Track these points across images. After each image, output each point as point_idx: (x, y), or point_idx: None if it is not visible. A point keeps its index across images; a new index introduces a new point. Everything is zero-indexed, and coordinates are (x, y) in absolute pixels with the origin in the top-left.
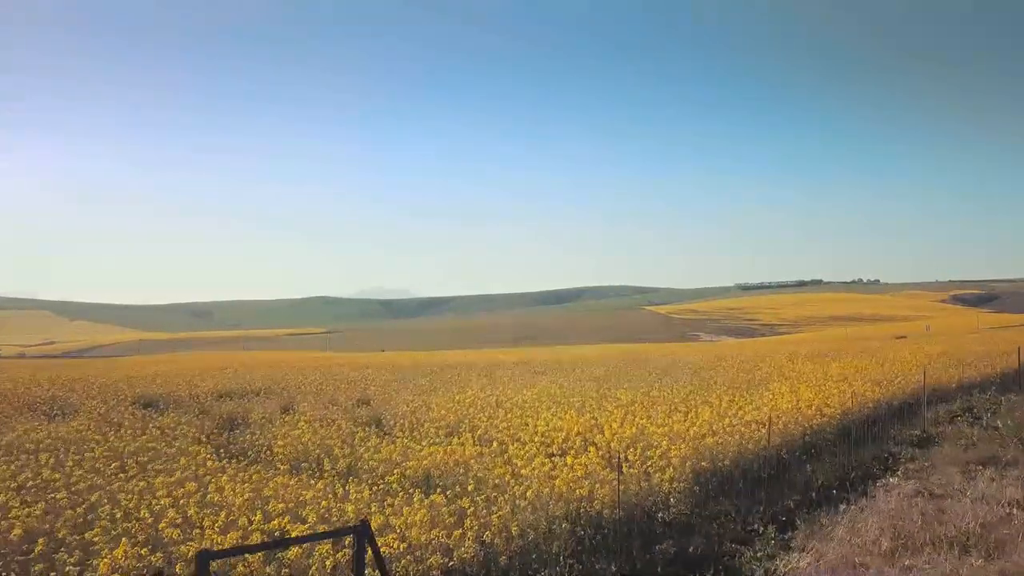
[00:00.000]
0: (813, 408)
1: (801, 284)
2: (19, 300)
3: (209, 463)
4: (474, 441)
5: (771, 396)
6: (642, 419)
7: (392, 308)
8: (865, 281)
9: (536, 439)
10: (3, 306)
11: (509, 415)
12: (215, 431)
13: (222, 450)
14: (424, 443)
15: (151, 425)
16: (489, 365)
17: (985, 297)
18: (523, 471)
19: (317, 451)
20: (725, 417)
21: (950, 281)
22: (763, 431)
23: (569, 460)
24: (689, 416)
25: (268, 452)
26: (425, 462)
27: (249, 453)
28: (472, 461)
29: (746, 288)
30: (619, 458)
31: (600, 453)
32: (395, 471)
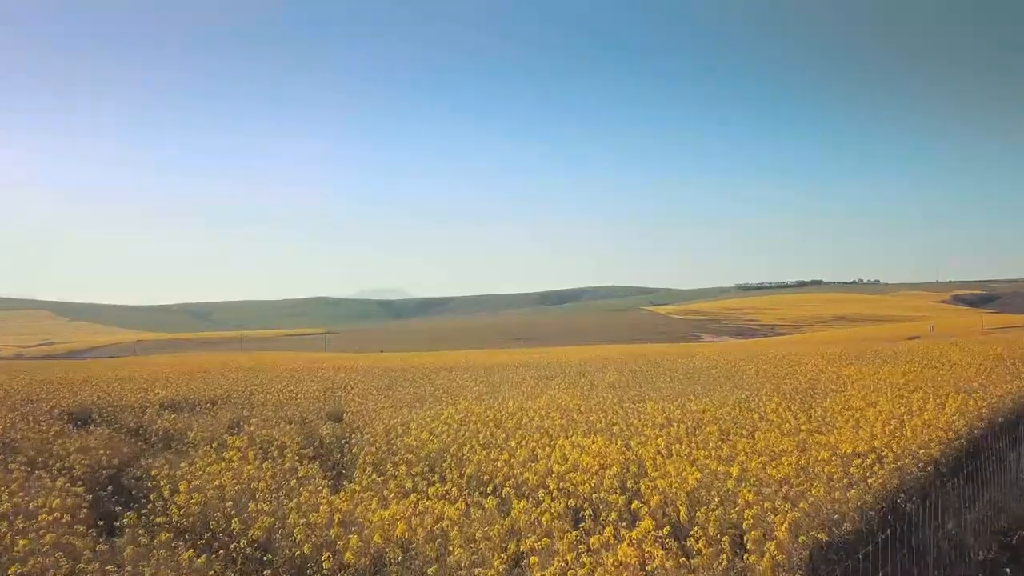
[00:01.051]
0: (929, 430)
1: (801, 284)
2: (18, 300)
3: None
4: (461, 487)
5: (852, 413)
6: (695, 448)
7: (392, 308)
8: (865, 281)
9: (552, 483)
10: (2, 306)
11: (512, 440)
12: (106, 469)
13: (105, 500)
14: (390, 488)
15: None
16: (488, 367)
17: (986, 297)
18: (534, 560)
19: (228, 506)
20: (810, 449)
21: (950, 281)
22: (874, 468)
23: (608, 536)
24: (757, 443)
25: (162, 507)
26: (377, 536)
27: (136, 508)
28: (454, 531)
29: (746, 289)
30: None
31: (653, 514)
32: (326, 553)
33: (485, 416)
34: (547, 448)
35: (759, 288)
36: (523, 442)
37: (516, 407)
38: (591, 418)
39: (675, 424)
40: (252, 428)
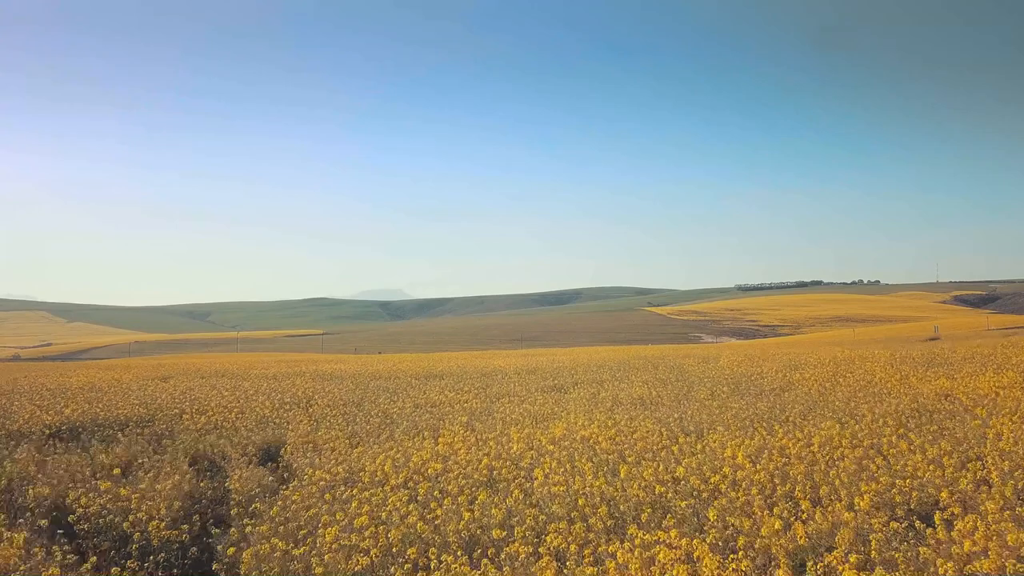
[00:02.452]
0: None
1: (801, 285)
2: (17, 301)
3: None
4: None
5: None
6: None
7: (391, 309)
8: (865, 282)
9: None
10: (1, 307)
11: (523, 527)
12: None
13: None
14: None
15: None
16: (485, 373)
17: (986, 298)
18: None
19: None
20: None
21: (950, 282)
22: None
23: None
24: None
25: None
26: None
27: None
28: None
29: (745, 289)
30: None
31: None
32: None
33: (477, 459)
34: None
35: (759, 288)
36: (537, 527)
37: (523, 444)
38: (643, 473)
39: (794, 484)
40: (142, 476)
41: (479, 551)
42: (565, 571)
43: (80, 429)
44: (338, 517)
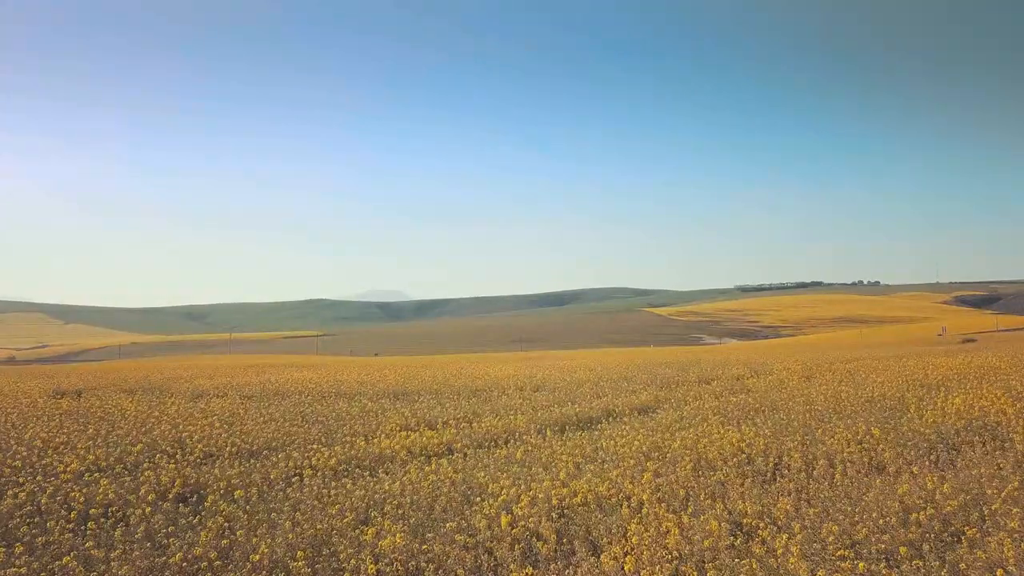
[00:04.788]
0: None
1: (801, 286)
2: (14, 303)
3: None
4: None
5: None
6: None
7: (390, 310)
8: (866, 283)
9: None
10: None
11: None
12: None
13: None
14: None
15: None
16: (475, 390)
17: (987, 298)
18: None
19: None
20: None
21: (951, 283)
22: None
23: None
24: None
25: None
26: None
27: None
28: None
29: (745, 290)
30: None
31: None
32: None
33: None
34: None
35: (759, 289)
36: None
37: None
38: None
39: None
40: None
41: None
42: None
43: None
44: None
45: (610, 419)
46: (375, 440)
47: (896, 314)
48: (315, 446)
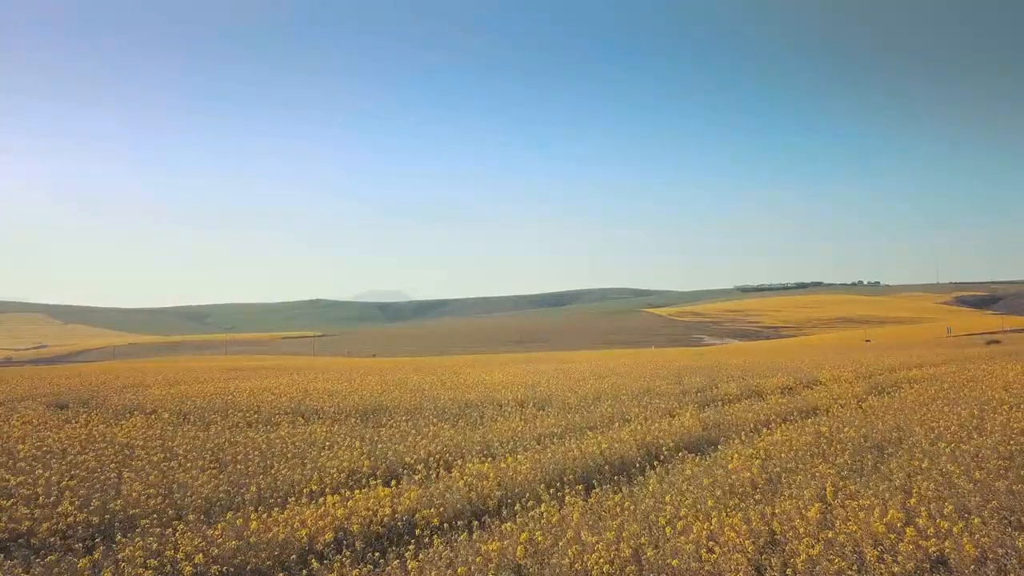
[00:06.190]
0: None
1: (801, 286)
2: (13, 303)
3: None
4: None
5: None
6: None
7: (390, 311)
8: (866, 283)
9: None
10: None
11: None
12: None
13: None
14: None
15: None
16: (464, 407)
17: (988, 299)
18: None
19: None
20: None
21: (951, 283)
22: None
23: None
24: None
25: None
26: None
27: None
28: None
29: (745, 290)
30: None
31: None
32: None
33: None
34: None
35: (759, 290)
36: None
37: None
38: None
39: None
40: None
41: None
42: None
43: None
44: None
45: (654, 463)
46: (291, 507)
47: (897, 315)
48: (190, 518)
